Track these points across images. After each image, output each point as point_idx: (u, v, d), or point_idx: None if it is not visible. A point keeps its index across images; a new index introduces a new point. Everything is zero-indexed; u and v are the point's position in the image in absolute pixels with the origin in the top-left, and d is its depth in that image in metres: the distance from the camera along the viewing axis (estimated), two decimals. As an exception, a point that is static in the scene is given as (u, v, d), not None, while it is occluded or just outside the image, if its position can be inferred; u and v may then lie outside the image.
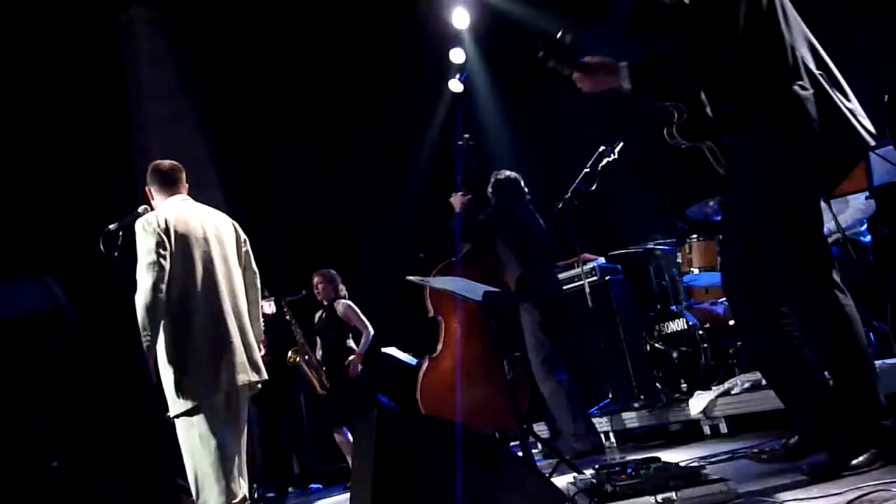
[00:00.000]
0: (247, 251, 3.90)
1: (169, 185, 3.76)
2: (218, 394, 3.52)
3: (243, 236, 3.89)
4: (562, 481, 3.13)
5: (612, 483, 2.55)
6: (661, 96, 2.93)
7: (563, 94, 3.71)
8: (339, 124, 8.64)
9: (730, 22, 2.63)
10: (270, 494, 7.11)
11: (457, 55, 7.94)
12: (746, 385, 4.55)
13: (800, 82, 2.67)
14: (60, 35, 8.07)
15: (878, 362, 3.84)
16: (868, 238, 5.07)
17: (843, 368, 2.65)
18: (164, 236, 3.49)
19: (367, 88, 8.62)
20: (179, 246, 3.53)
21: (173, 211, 3.64)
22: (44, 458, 1.63)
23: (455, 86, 8.12)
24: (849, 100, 2.76)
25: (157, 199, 3.76)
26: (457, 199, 5.25)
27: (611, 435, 5.55)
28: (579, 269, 5.89)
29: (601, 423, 5.55)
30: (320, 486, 7.39)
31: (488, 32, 7.83)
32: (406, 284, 4.54)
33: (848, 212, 4.98)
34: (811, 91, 2.67)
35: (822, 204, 4.67)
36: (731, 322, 5.17)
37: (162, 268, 3.45)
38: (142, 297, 3.42)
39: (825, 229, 4.91)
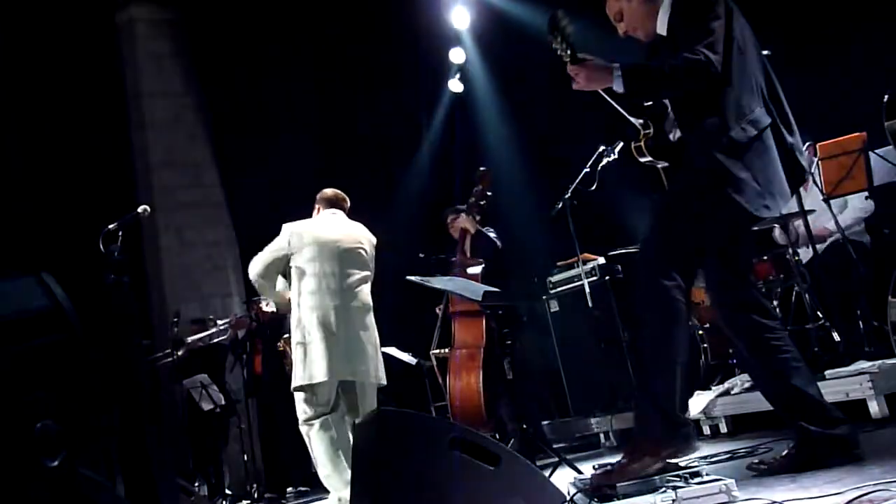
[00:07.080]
0: (373, 256, 4.54)
1: (330, 205, 4.65)
2: (318, 382, 4.08)
3: (373, 242, 4.60)
4: (562, 481, 3.12)
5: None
6: (650, 97, 3.00)
7: (562, 94, 3.71)
8: (339, 124, 8.63)
9: (708, 26, 2.72)
10: (269, 495, 7.10)
11: (457, 55, 7.95)
12: (746, 385, 4.53)
13: (760, 108, 2.77)
14: (60, 35, 8.08)
15: (877, 362, 3.85)
16: (867, 238, 5.07)
17: (650, 366, 2.73)
18: (294, 237, 4.30)
19: (367, 88, 8.61)
20: (311, 248, 4.27)
21: (315, 220, 4.52)
22: (43, 458, 1.63)
23: (455, 86, 8.13)
24: (792, 134, 2.85)
25: (321, 212, 4.63)
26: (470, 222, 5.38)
27: (611, 435, 5.54)
28: (579, 269, 5.88)
29: (601, 423, 5.55)
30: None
31: (488, 32, 7.82)
32: (406, 284, 4.54)
33: (847, 212, 4.99)
34: (770, 120, 2.78)
35: (823, 204, 4.71)
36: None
37: (277, 256, 4.31)
38: (255, 265, 4.35)
39: (826, 228, 4.98)
